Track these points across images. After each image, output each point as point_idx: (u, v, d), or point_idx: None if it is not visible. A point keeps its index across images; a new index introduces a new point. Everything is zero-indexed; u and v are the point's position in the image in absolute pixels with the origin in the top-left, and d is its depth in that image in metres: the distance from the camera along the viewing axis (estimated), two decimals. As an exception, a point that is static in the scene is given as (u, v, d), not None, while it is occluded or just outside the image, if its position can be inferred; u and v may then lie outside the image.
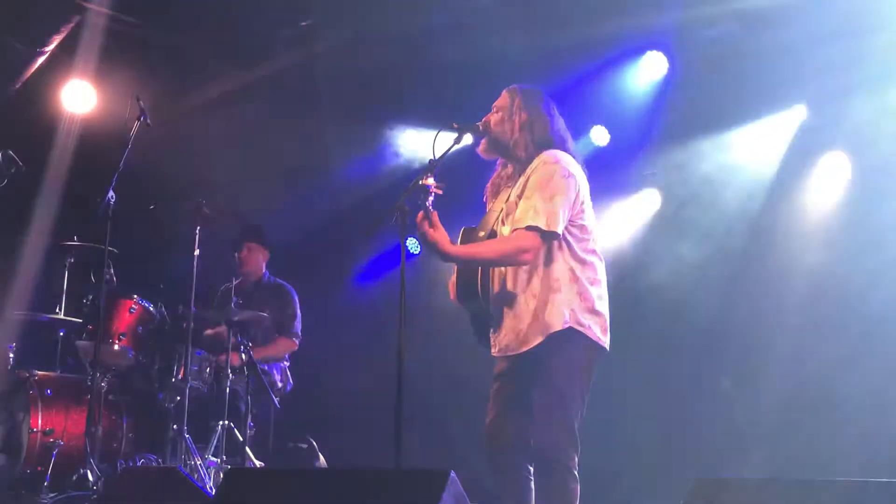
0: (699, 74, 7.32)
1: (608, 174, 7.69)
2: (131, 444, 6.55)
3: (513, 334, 4.36)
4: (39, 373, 6.42)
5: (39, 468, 6.09)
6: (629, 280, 7.57)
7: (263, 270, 7.46)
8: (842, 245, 7.25)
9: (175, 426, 6.28)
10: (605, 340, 4.36)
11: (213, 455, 6.35)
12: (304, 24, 7.56)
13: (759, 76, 7.18)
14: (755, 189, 7.67)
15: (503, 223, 4.45)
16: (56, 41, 7.31)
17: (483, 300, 4.45)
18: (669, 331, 7.62)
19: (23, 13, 7.13)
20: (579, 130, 7.78)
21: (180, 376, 6.43)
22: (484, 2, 7.02)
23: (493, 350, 4.49)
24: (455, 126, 4.54)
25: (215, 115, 8.07)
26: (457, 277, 4.51)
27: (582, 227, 4.40)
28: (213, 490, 5.81)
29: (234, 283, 6.80)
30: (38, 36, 7.28)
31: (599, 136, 7.87)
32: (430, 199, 4.20)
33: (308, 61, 7.79)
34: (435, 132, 4.51)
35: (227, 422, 6.40)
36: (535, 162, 4.41)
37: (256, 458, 6.53)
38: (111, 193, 5.90)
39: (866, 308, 6.95)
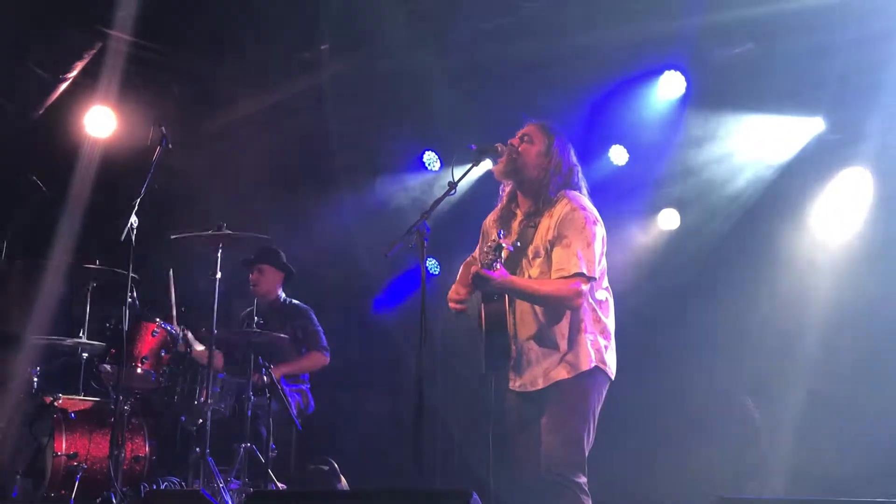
0: (715, 90, 7.33)
1: (627, 193, 7.71)
2: (154, 467, 6.56)
3: (539, 371, 4.50)
4: (63, 397, 6.45)
5: (63, 492, 6.11)
6: (648, 297, 7.53)
7: (278, 292, 7.42)
8: (865, 260, 7.20)
9: (198, 449, 6.29)
10: (614, 371, 4.59)
11: (235, 477, 6.37)
12: (323, 47, 7.61)
13: (777, 88, 7.17)
14: (776, 208, 7.64)
15: (531, 264, 4.56)
16: (79, 67, 7.39)
17: (512, 336, 4.54)
18: (689, 348, 7.58)
19: (46, 40, 7.22)
20: (598, 150, 7.79)
21: (203, 399, 6.45)
22: (500, 24, 7.05)
23: (511, 384, 4.60)
24: (474, 148, 4.60)
25: (236, 138, 8.12)
26: (485, 310, 4.55)
27: (602, 269, 4.57)
28: (236, 512, 5.84)
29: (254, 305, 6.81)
30: (61, 62, 7.36)
31: (618, 155, 7.87)
32: (502, 259, 4.28)
33: (328, 84, 7.83)
34: (453, 153, 4.56)
35: (249, 444, 6.42)
36: (561, 206, 4.54)
37: (278, 481, 6.54)
38: (134, 218, 5.94)
39: (889, 325, 6.91)
